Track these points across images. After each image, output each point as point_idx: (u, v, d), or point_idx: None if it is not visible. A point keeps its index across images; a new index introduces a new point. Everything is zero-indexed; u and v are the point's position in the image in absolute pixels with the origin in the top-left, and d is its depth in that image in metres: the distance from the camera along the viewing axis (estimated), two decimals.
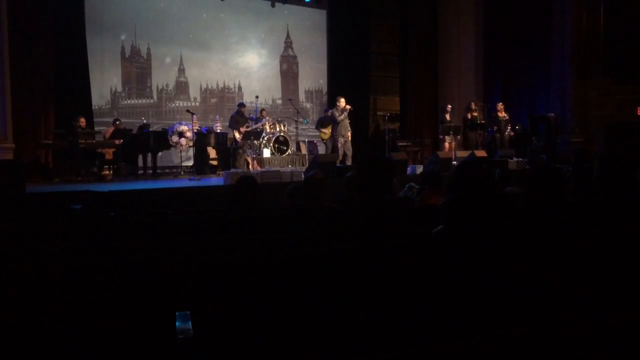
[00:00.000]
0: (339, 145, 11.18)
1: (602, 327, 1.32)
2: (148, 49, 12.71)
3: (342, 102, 11.18)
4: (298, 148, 12.63)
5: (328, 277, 2.18)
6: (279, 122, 11.93)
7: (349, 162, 10.92)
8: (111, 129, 10.87)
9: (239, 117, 11.47)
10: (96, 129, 11.08)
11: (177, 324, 1.77)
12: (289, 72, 14.88)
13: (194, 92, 13.41)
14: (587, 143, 12.78)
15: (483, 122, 12.71)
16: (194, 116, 11.24)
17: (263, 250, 2.46)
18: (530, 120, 13.36)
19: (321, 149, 12.88)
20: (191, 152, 11.35)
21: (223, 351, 1.93)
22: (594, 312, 2.02)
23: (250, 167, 11.00)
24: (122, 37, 12.35)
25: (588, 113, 13.01)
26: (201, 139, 11.32)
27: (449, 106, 13.11)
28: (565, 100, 13.10)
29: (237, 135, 11.36)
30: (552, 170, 2.97)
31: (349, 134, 11.29)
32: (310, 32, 15.08)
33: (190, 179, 9.93)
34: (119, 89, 12.42)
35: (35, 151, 10.43)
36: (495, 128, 12.77)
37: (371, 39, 15.13)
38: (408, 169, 10.67)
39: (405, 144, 13.98)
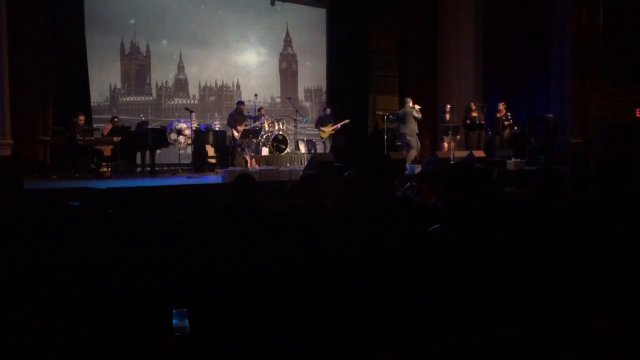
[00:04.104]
0: (417, 143, 11.61)
1: (601, 328, 1.32)
2: (147, 46, 12.69)
3: (412, 102, 11.64)
4: (297, 147, 12.62)
5: (326, 276, 2.18)
6: (278, 121, 11.93)
7: (411, 160, 11.43)
8: (109, 126, 10.87)
9: (237, 115, 11.47)
10: (95, 125, 11.06)
11: (173, 321, 1.76)
12: (288, 70, 14.87)
13: (193, 89, 13.40)
14: (586, 144, 12.79)
15: (482, 122, 12.70)
16: (193, 114, 11.24)
17: (261, 249, 2.46)
18: (529, 120, 13.36)
19: (320, 148, 12.88)
20: (190, 150, 11.34)
21: (220, 349, 1.93)
22: (592, 313, 2.02)
23: (248, 165, 10.99)
24: (122, 34, 12.32)
25: (587, 114, 13.03)
26: (200, 137, 11.32)
27: (448, 106, 13.11)
28: (564, 101, 13.11)
29: (235, 133, 11.36)
30: (553, 172, 2.98)
31: None
32: (309, 31, 15.06)
33: (188, 177, 9.92)
34: (118, 86, 12.41)
35: (33, 148, 10.42)
36: (491, 128, 12.75)
37: (371, 38, 15.11)
38: (407, 168, 10.68)
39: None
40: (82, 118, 10.11)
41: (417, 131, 11.83)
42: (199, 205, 6.33)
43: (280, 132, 11.64)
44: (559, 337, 1.26)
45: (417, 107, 11.69)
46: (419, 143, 12.04)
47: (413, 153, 11.71)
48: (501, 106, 12.80)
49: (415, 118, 11.55)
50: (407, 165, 11.18)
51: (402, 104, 11.92)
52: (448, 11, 15.45)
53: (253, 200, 4.38)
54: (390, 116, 12.97)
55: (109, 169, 10.72)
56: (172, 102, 13.09)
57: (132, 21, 12.38)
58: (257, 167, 10.68)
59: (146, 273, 2.12)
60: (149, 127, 11.22)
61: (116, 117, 11.16)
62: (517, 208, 3.14)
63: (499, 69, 14.88)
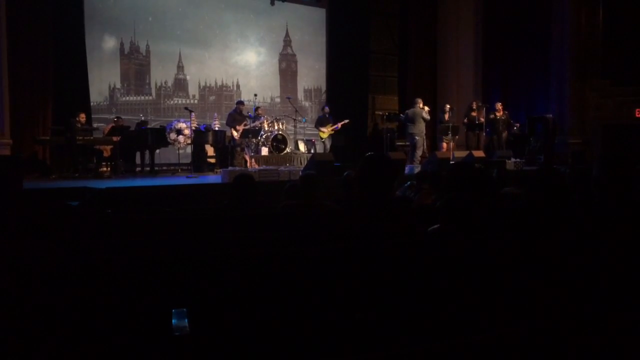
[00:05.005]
0: (423, 143, 11.82)
1: (600, 328, 1.32)
2: (147, 45, 12.69)
3: (421, 102, 11.79)
4: (296, 146, 12.63)
5: (325, 276, 2.18)
6: (277, 121, 11.93)
7: (418, 161, 11.50)
8: (110, 126, 10.88)
9: (237, 115, 11.48)
10: (95, 125, 11.07)
11: (173, 321, 1.77)
12: (287, 70, 14.87)
13: (192, 89, 13.40)
14: (585, 144, 12.81)
15: (482, 122, 12.70)
16: (192, 114, 11.25)
17: (260, 249, 2.46)
18: (528, 121, 13.38)
19: (319, 148, 12.89)
20: (189, 150, 11.34)
21: (219, 349, 1.93)
22: (590, 313, 2.02)
23: (248, 165, 10.99)
24: (121, 34, 12.32)
25: (586, 114, 13.04)
26: (199, 137, 11.32)
27: (448, 106, 13.12)
28: (563, 101, 13.12)
29: (235, 133, 11.36)
30: (555, 172, 2.98)
31: None
32: (309, 31, 15.06)
33: (188, 177, 9.92)
34: (118, 85, 12.40)
35: (33, 147, 10.41)
36: (491, 123, 12.76)
37: (370, 38, 15.12)
38: (406, 168, 10.69)
39: (403, 143, 13.96)
40: (83, 116, 10.14)
41: (425, 132, 11.93)
42: (199, 205, 6.32)
43: (280, 132, 11.64)
44: (558, 337, 1.26)
45: (426, 108, 11.82)
46: (425, 143, 12.13)
47: (419, 153, 11.76)
48: (499, 106, 12.81)
49: (424, 119, 11.65)
50: (407, 165, 11.19)
51: (412, 105, 11.97)
52: (448, 11, 15.47)
53: (253, 200, 4.39)
54: (401, 116, 13.01)
55: (109, 168, 10.71)
56: (172, 102, 13.09)
57: (131, 21, 12.38)
58: (256, 167, 10.68)
59: (146, 273, 2.12)
60: (149, 126, 11.22)
61: (117, 118, 11.16)
62: (517, 208, 3.14)
63: (499, 69, 14.89)
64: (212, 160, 12.02)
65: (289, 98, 12.85)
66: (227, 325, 1.97)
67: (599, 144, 12.66)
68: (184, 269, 2.15)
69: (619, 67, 12.75)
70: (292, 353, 1.93)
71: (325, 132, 12.58)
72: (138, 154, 10.82)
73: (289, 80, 14.91)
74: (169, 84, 13.10)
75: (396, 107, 15.41)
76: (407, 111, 12.14)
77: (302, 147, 12.73)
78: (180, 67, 13.21)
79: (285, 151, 11.59)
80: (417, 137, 11.67)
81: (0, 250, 2.49)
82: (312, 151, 12.60)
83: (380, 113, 14.85)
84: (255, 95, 12.84)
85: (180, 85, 13.26)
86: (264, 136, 11.51)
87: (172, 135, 11.06)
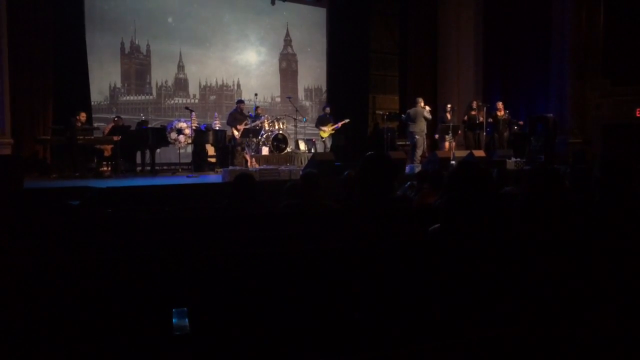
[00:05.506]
0: (423, 142, 11.96)
1: (599, 328, 1.33)
2: (147, 45, 12.69)
3: (423, 102, 11.97)
4: (297, 146, 12.63)
5: (325, 275, 2.18)
6: (278, 120, 11.93)
7: (418, 161, 11.62)
8: (110, 126, 10.88)
9: (238, 115, 11.49)
10: (95, 124, 11.07)
11: (173, 320, 1.77)
12: (288, 70, 14.86)
13: (193, 89, 13.39)
14: (586, 144, 12.80)
15: (482, 121, 12.70)
16: (193, 113, 11.25)
17: (260, 249, 2.46)
18: (529, 120, 13.37)
19: (320, 147, 12.90)
20: (190, 149, 11.34)
21: (219, 349, 1.93)
22: (590, 312, 2.02)
23: (248, 164, 10.99)
24: (122, 34, 12.31)
25: (587, 114, 13.04)
26: (200, 136, 11.32)
27: (449, 105, 13.13)
28: (564, 100, 13.12)
29: (235, 132, 11.36)
30: (549, 171, 2.97)
31: None
32: (310, 30, 15.06)
33: (188, 176, 9.92)
34: (118, 85, 12.40)
35: (33, 147, 10.42)
36: (492, 123, 12.76)
37: (371, 37, 15.12)
38: (406, 168, 10.69)
39: (404, 142, 13.97)
40: (84, 115, 10.15)
41: (425, 131, 11.99)
42: (199, 204, 6.33)
43: (280, 132, 11.63)
44: (557, 337, 1.26)
45: (427, 107, 11.90)
46: (425, 142, 12.19)
47: (419, 152, 11.82)
48: (500, 105, 12.82)
49: (425, 118, 11.75)
50: (407, 165, 11.20)
51: (413, 104, 12.07)
52: (448, 11, 15.47)
53: (253, 199, 4.39)
54: (402, 115, 13.05)
55: (109, 168, 10.72)
56: (172, 102, 13.09)
57: (132, 20, 12.38)
58: (257, 166, 10.67)
59: (146, 273, 2.12)
60: (149, 126, 11.22)
61: (116, 117, 11.18)
62: (516, 208, 3.14)
63: (499, 68, 14.88)
64: (213, 160, 12.02)
65: (289, 98, 12.85)
66: (227, 325, 1.97)
67: (599, 143, 12.65)
68: (184, 269, 2.15)
69: (619, 66, 12.74)
70: (291, 352, 1.93)
71: (326, 131, 12.59)
72: (138, 154, 10.82)
73: (290, 79, 14.91)
74: (170, 83, 13.10)
75: (397, 107, 15.40)
76: (408, 110, 12.21)
77: (302, 146, 12.73)
78: (180, 67, 13.21)
79: (285, 151, 11.59)
80: (417, 137, 11.73)
81: (1, 250, 2.50)
82: (313, 151, 12.59)
83: (381, 112, 14.84)
84: (256, 94, 12.83)
85: (181, 84, 13.26)
86: (264, 136, 11.50)
87: (173, 135, 11.06)
